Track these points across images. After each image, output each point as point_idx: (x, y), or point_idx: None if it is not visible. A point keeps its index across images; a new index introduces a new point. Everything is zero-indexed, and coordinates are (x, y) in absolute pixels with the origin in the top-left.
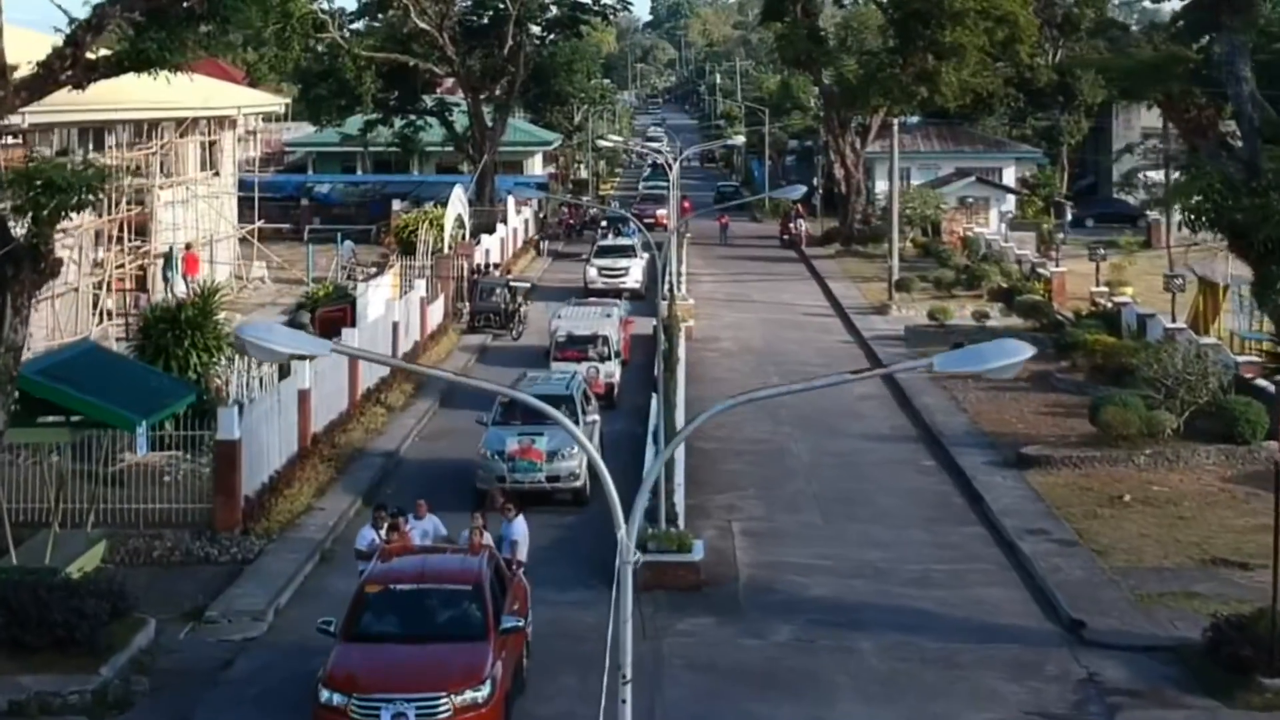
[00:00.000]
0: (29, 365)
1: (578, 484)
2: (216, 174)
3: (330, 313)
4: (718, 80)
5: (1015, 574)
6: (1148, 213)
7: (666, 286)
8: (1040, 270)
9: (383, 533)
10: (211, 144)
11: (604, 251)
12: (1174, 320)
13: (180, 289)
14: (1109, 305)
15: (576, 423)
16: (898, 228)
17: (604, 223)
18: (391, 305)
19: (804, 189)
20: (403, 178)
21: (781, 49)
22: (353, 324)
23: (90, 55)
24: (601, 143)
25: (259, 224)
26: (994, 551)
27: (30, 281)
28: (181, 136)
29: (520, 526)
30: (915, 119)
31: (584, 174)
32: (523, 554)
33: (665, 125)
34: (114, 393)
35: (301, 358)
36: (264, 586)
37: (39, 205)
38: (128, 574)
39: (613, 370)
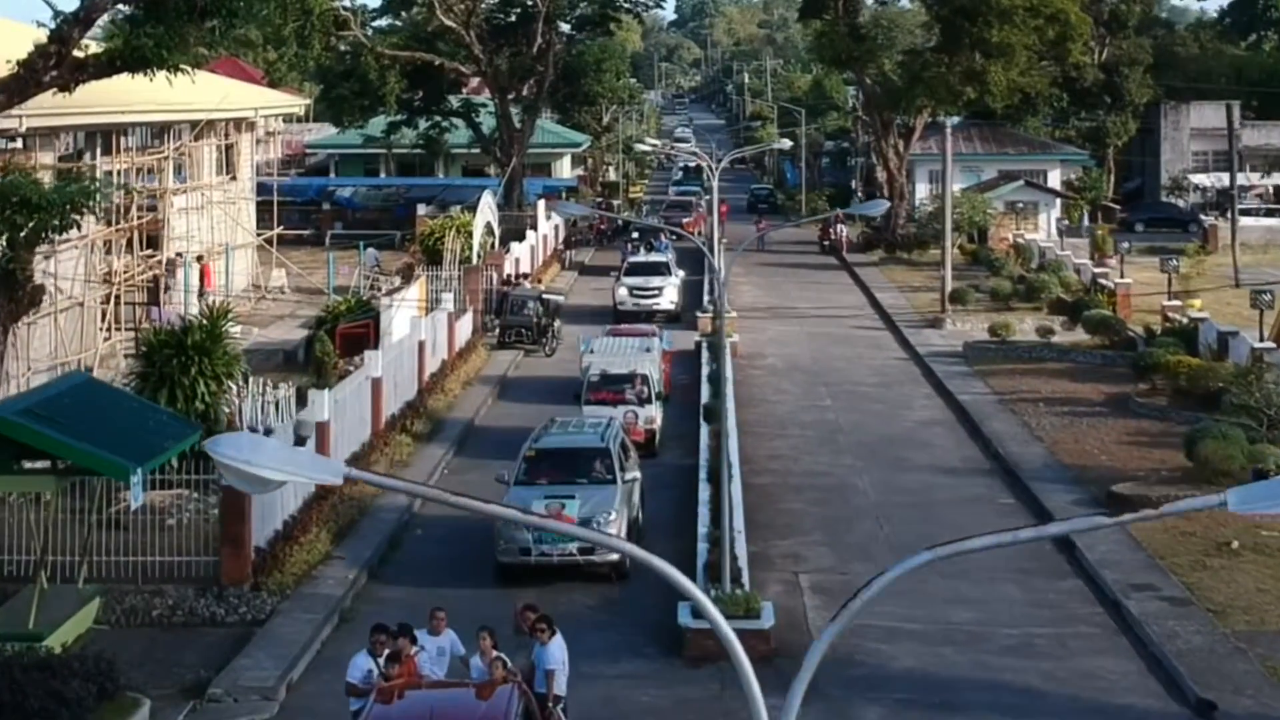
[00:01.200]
0: (12, 403)
1: (615, 557)
2: (233, 178)
3: (352, 329)
4: (746, 79)
5: (1125, 639)
6: (1202, 217)
7: (714, 300)
8: (1102, 281)
9: (382, 661)
10: (228, 147)
11: (635, 269)
12: (1261, 339)
13: (193, 306)
14: (1184, 321)
15: (613, 480)
16: (949, 234)
17: (634, 234)
18: (417, 323)
19: (886, 204)
20: (428, 181)
21: (820, 47)
22: (375, 341)
23: (79, 53)
24: (640, 147)
25: (278, 230)
26: (1097, 612)
27: (6, 312)
28: (196, 139)
29: (557, 651)
30: (955, 119)
31: (613, 176)
32: (561, 686)
33: (692, 125)
34: (106, 434)
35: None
36: (275, 655)
37: (15, 226)
38: (123, 637)
39: (653, 415)
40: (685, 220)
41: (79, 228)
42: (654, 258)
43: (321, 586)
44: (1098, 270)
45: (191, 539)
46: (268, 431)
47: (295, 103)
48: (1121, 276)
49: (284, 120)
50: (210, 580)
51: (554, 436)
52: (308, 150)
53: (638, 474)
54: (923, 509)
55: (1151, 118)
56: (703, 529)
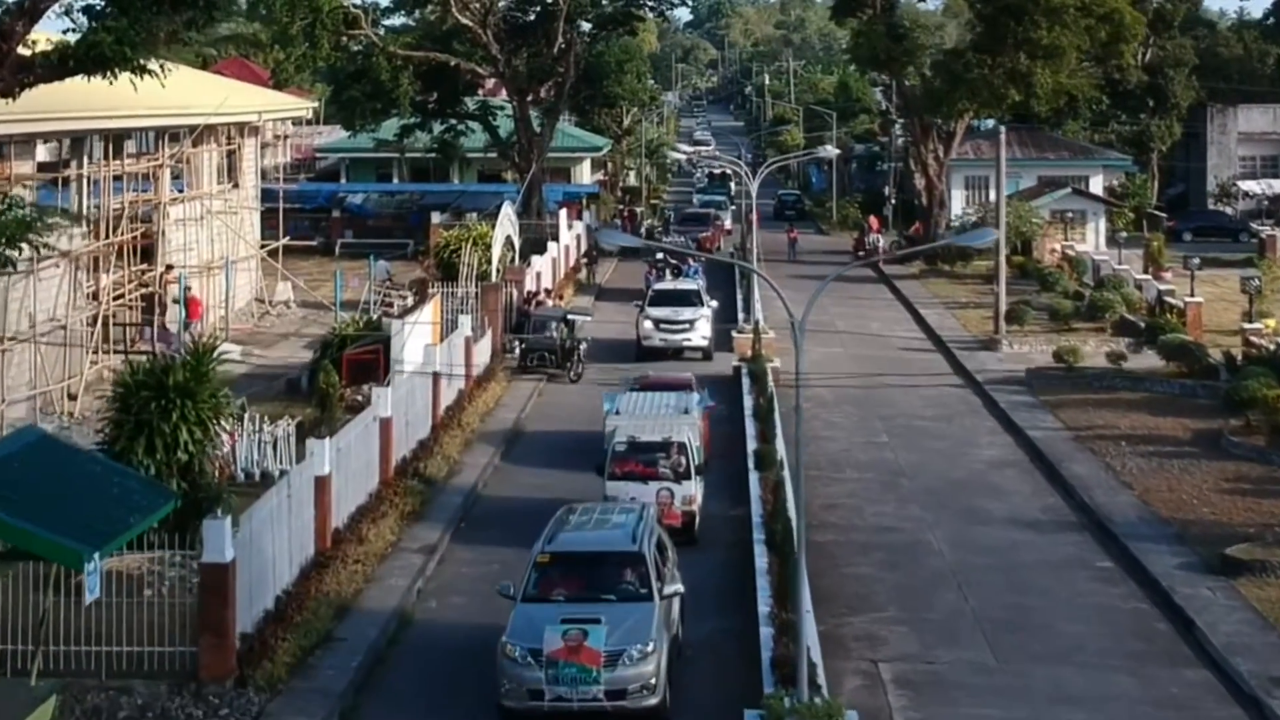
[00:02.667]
0: None
1: (654, 700)
2: (235, 186)
3: (360, 355)
4: (766, 80)
5: None
6: (1254, 225)
7: (752, 321)
8: (1169, 299)
9: None
10: (230, 153)
11: (661, 299)
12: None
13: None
14: (1271, 347)
15: (649, 596)
16: (1003, 247)
17: (658, 257)
18: (431, 351)
19: (994, 234)
20: (443, 187)
21: (856, 48)
22: (385, 368)
23: (25, 51)
24: (673, 155)
25: (284, 240)
26: (1235, 715)
27: None
28: (196, 145)
29: None
30: (991, 123)
31: (633, 181)
32: None
33: (710, 128)
34: (58, 510)
35: None
36: None
37: None
38: None
39: (692, 493)
40: (703, 235)
41: (14, 265)
42: (683, 285)
43: (319, 678)
44: (1163, 287)
45: (167, 621)
46: (264, 476)
47: (302, 105)
48: (1192, 294)
49: (293, 123)
50: (187, 675)
51: (573, 534)
52: (317, 154)
53: (680, 587)
54: (1008, 574)
55: (1195, 121)
56: (764, 608)
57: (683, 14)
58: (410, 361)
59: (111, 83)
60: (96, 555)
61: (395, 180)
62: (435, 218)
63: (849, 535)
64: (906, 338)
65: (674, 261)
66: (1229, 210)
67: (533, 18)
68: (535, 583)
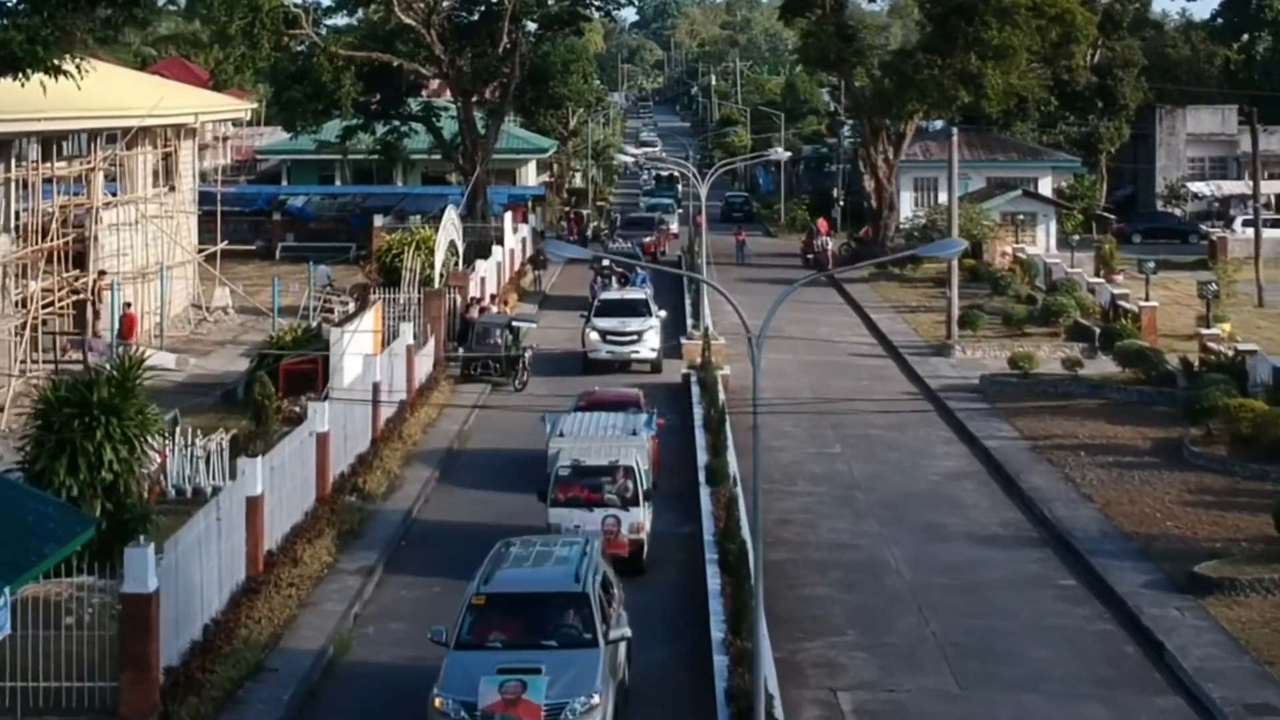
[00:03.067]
0: None
1: None
2: (172, 189)
3: (297, 365)
4: (713, 81)
5: None
6: (1204, 227)
7: (702, 327)
8: (1123, 303)
9: None
10: (167, 155)
11: (608, 309)
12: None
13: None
14: (1229, 353)
15: (594, 641)
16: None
17: (604, 264)
18: (372, 362)
19: (963, 244)
20: (386, 189)
21: (806, 48)
22: (324, 378)
23: None
24: (620, 158)
25: (222, 245)
26: None
27: None
28: (130, 147)
29: None
30: (939, 124)
31: (579, 182)
32: None
33: (657, 128)
34: None
35: None
36: None
37: None
38: None
39: (640, 520)
40: (647, 239)
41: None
42: (630, 294)
43: (248, 713)
44: (1117, 291)
45: (86, 654)
46: (196, 493)
47: (241, 106)
48: (1146, 299)
49: (234, 125)
50: (108, 712)
51: (511, 572)
52: (258, 156)
53: (627, 631)
54: (970, 594)
55: (1144, 123)
56: (717, 634)
57: (629, 14)
58: (350, 370)
59: (24, 85)
60: (6, 589)
61: (338, 182)
62: (378, 221)
63: (804, 553)
64: (857, 343)
65: (620, 269)
66: (1178, 212)
67: (477, 17)
68: (470, 627)
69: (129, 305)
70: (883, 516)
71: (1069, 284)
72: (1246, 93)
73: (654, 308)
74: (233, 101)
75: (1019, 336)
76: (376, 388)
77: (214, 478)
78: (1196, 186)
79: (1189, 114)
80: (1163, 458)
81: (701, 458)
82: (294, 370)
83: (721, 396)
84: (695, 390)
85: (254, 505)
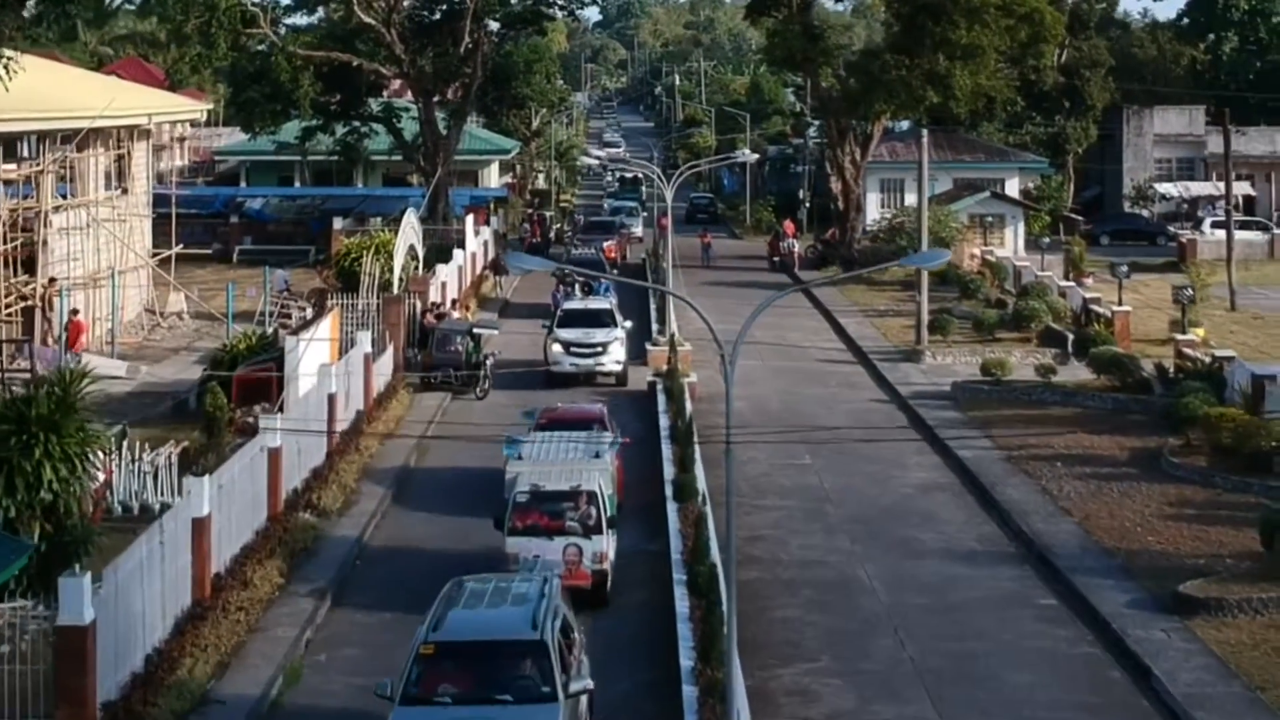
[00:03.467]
0: None
1: None
2: (125, 191)
3: (252, 374)
4: (676, 81)
5: None
6: (1172, 229)
7: (667, 333)
8: (1095, 308)
9: None
10: (119, 158)
11: (571, 319)
12: None
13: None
14: (1206, 359)
15: (552, 695)
16: (925, 248)
17: (568, 273)
18: (327, 371)
19: (948, 254)
20: (346, 191)
21: (772, 48)
22: (279, 388)
23: None
24: (584, 160)
25: (177, 249)
26: None
27: None
28: (81, 149)
29: None
30: (906, 125)
31: (542, 183)
32: None
33: (621, 129)
34: None
35: None
36: None
37: None
38: None
39: (603, 549)
40: (607, 244)
41: None
42: (594, 304)
43: None
44: (1089, 295)
45: (19, 687)
46: (144, 510)
47: (196, 107)
48: (1119, 303)
49: (192, 125)
50: None
51: (463, 616)
52: (216, 157)
53: (588, 681)
54: (948, 615)
55: (1111, 123)
56: (686, 661)
57: (592, 14)
58: (306, 379)
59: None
60: None
61: (297, 184)
62: (337, 224)
63: (774, 571)
64: (826, 349)
65: (582, 279)
66: (1146, 213)
67: (439, 16)
68: (417, 679)
69: (76, 312)
70: (855, 532)
71: (1040, 288)
72: (1213, 93)
73: (619, 317)
74: (188, 102)
75: (990, 342)
76: (332, 399)
77: (163, 494)
78: (1164, 188)
79: (1156, 114)
80: (1141, 469)
81: (669, 470)
82: (248, 380)
83: (688, 405)
84: (661, 399)
85: (200, 527)
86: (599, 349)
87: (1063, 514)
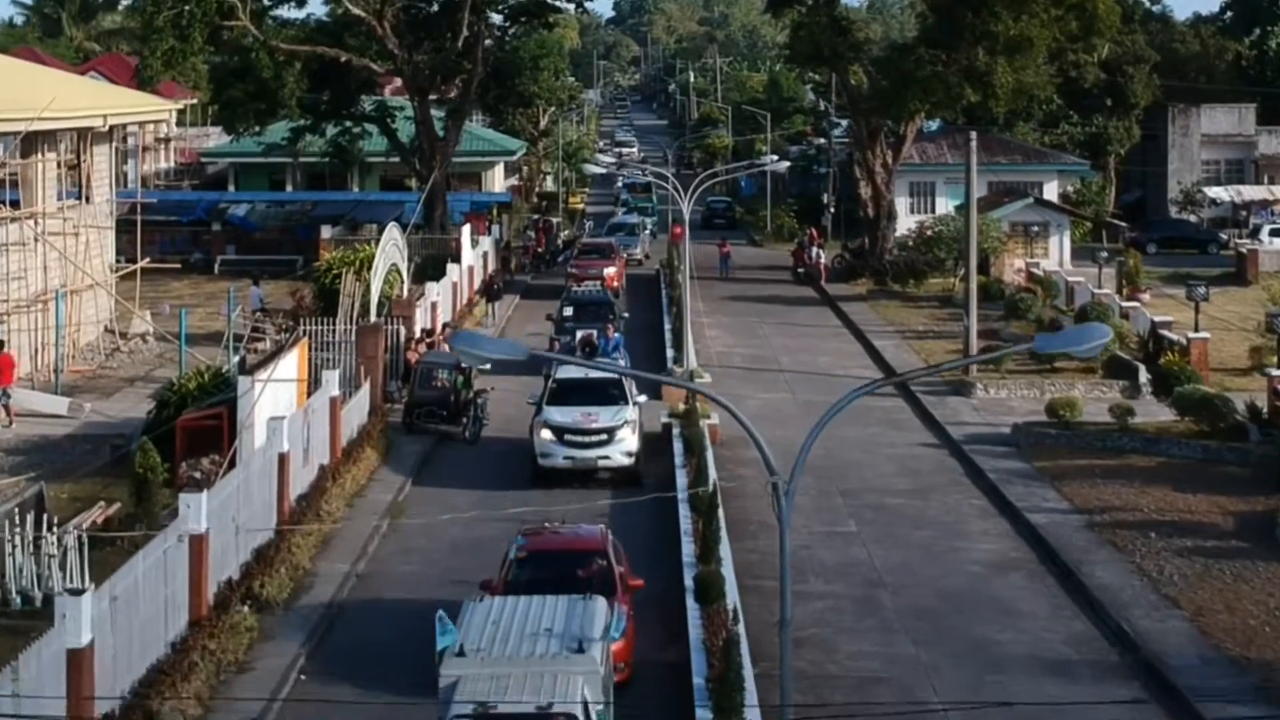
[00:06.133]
0: None
1: None
2: (86, 200)
3: (198, 421)
4: (691, 78)
5: None
6: (1224, 235)
7: (685, 362)
8: (1165, 333)
9: None
10: (74, 165)
11: (566, 393)
12: None
13: None
14: None
15: None
16: (974, 272)
17: (567, 311)
18: (277, 428)
19: (1109, 332)
20: (338, 196)
21: (797, 42)
22: (231, 436)
23: None
24: (589, 169)
25: (144, 263)
26: None
27: None
28: (25, 156)
29: None
30: (935, 125)
31: (551, 185)
32: None
33: (634, 127)
34: None
35: None
36: None
37: None
38: None
39: None
40: (609, 271)
41: None
42: (596, 373)
43: None
44: (1159, 318)
45: None
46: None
47: (164, 106)
48: (1196, 329)
49: (177, 124)
50: None
51: None
52: (203, 159)
53: None
54: None
55: (1154, 123)
56: None
57: (605, 10)
58: (261, 430)
59: None
60: None
61: (289, 188)
62: (325, 232)
63: (820, 688)
64: (862, 378)
65: (585, 334)
66: (1194, 219)
67: (436, 8)
68: None
69: (2, 344)
70: (917, 630)
71: (1100, 308)
72: (1259, 90)
73: (630, 388)
74: (153, 101)
75: (1048, 373)
76: (284, 460)
77: (72, 578)
78: (1214, 191)
79: (1203, 113)
80: (1252, 540)
81: (687, 547)
82: (196, 427)
83: (710, 459)
84: (677, 446)
85: (78, 661)
86: (603, 437)
87: (1168, 604)
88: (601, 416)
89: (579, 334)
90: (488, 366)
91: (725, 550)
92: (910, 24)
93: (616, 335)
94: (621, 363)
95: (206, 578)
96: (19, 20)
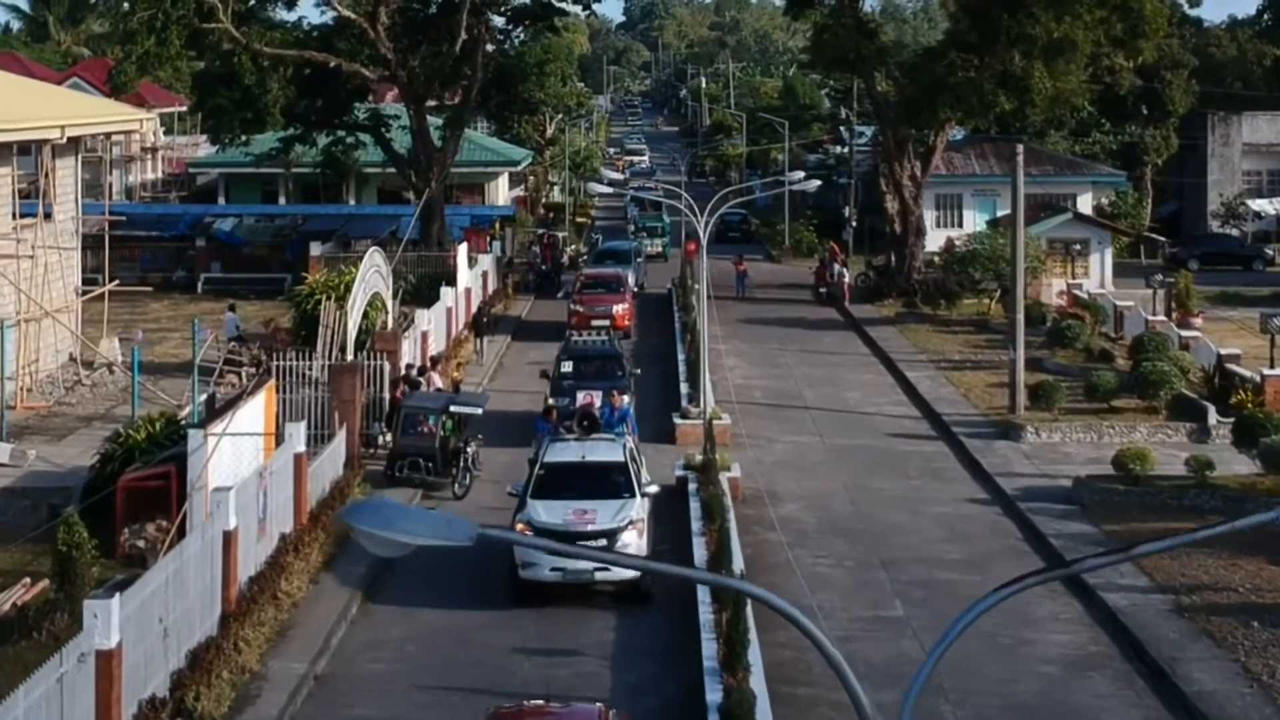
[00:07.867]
0: None
1: None
2: (46, 218)
3: (142, 481)
4: (703, 84)
5: None
6: (1269, 251)
7: (702, 403)
8: (1233, 367)
9: None
10: (31, 182)
11: (556, 483)
12: None
13: None
14: None
15: None
16: (1021, 296)
17: (564, 367)
18: (222, 499)
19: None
20: (331, 209)
21: (819, 46)
22: (180, 496)
23: None
24: (596, 188)
25: (111, 285)
26: None
27: None
28: None
29: None
30: (961, 134)
31: (558, 196)
32: None
33: (645, 136)
34: None
35: None
36: None
37: None
38: None
39: None
40: (618, 309)
41: None
42: (598, 452)
43: None
44: (1225, 350)
45: None
46: None
47: (132, 116)
48: (1272, 364)
49: (164, 133)
50: None
51: None
52: (192, 169)
53: None
54: None
55: (1192, 131)
56: None
57: (615, 15)
58: (218, 488)
59: None
60: None
61: (282, 200)
62: (315, 250)
63: None
64: (896, 416)
65: (585, 400)
66: (1236, 233)
67: (433, 10)
68: None
69: None
70: None
71: (1159, 338)
72: None
73: (637, 474)
74: (121, 110)
75: (1106, 413)
76: (229, 540)
77: None
78: (1258, 204)
79: (1245, 121)
80: None
81: (709, 653)
82: (139, 488)
83: (732, 522)
84: (694, 508)
85: None
86: (600, 539)
87: None
88: (600, 514)
89: (579, 396)
90: (479, 410)
91: (755, 654)
92: (925, 29)
93: (625, 404)
94: (629, 440)
95: (119, 702)
96: (13, 25)
